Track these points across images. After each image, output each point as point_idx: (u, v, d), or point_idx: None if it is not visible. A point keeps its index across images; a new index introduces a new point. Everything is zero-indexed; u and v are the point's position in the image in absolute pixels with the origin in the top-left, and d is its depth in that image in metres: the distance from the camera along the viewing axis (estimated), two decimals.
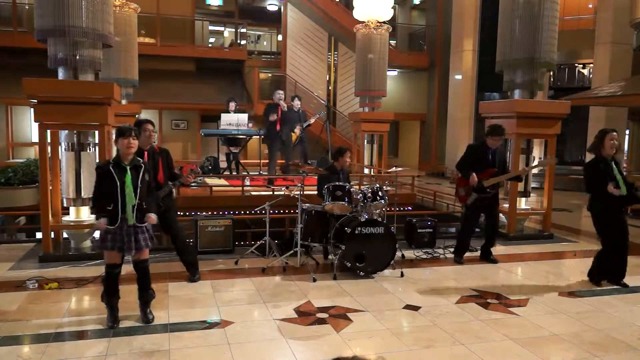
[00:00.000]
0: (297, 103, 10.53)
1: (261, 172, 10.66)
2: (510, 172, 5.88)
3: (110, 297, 3.92)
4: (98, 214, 3.85)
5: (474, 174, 5.57)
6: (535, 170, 7.91)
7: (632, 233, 7.86)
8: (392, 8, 11.34)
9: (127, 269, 4.87)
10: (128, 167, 3.79)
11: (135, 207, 3.79)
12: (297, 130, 10.22)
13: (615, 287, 5.07)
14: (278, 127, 9.76)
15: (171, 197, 4.97)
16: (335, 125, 16.05)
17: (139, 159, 3.91)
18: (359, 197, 5.47)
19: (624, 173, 4.91)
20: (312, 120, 10.83)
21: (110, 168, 3.77)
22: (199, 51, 15.97)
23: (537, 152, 9.80)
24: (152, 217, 3.89)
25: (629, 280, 5.11)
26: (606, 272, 5.09)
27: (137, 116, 9.94)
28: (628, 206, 4.94)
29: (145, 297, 4.04)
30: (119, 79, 9.29)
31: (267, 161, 11.46)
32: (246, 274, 5.34)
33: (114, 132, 4.76)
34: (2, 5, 14.31)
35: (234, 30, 18.72)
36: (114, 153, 4.32)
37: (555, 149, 7.50)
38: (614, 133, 4.84)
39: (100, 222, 3.76)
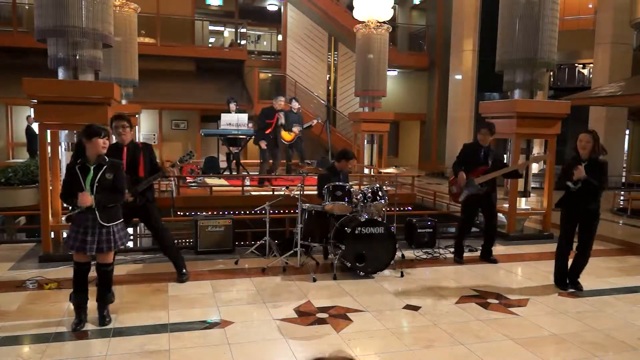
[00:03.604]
0: (295, 105, 10.53)
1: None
2: (505, 168, 5.87)
3: (77, 294, 3.90)
4: (70, 204, 3.83)
5: (462, 172, 5.66)
6: (535, 170, 7.90)
7: (632, 233, 7.91)
8: (392, 8, 11.34)
9: (125, 269, 4.89)
10: (91, 168, 3.77)
11: (95, 206, 3.73)
12: (296, 129, 10.20)
13: (615, 287, 5.08)
14: (269, 130, 9.66)
15: (152, 190, 4.98)
16: (335, 125, 16.06)
17: (105, 157, 3.82)
18: (359, 197, 5.47)
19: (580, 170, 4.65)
20: (314, 123, 10.81)
21: (77, 169, 3.76)
22: (199, 51, 15.98)
23: (537, 152, 9.77)
24: (83, 195, 3.67)
25: (629, 280, 5.11)
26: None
27: (137, 116, 9.94)
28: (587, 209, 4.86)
29: (103, 299, 3.97)
30: (119, 79, 9.29)
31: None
32: (246, 274, 5.34)
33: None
34: (2, 5, 14.32)
35: (234, 30, 18.73)
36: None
37: (555, 149, 7.50)
38: (583, 134, 4.72)
39: (81, 195, 3.68)
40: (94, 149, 3.74)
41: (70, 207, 3.89)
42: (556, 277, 5.09)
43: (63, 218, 5.96)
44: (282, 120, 9.73)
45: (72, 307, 3.95)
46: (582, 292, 4.92)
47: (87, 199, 3.68)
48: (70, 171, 3.80)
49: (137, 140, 5.03)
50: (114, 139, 4.77)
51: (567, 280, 5.02)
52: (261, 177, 9.87)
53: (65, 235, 6.19)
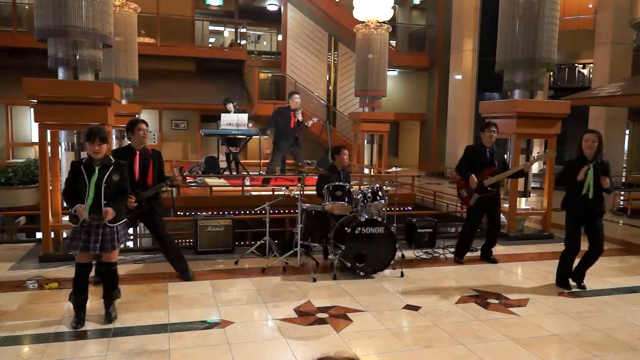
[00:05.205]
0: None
1: (261, 172, 10.66)
2: (512, 169, 5.88)
3: (77, 295, 3.91)
4: (71, 205, 3.86)
5: (473, 175, 5.58)
6: (535, 170, 7.89)
7: (632, 233, 7.91)
8: (392, 8, 11.34)
9: (125, 268, 4.89)
10: (97, 168, 3.79)
11: (103, 206, 3.75)
12: (312, 121, 10.12)
13: (615, 287, 5.08)
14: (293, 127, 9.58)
15: (158, 199, 4.92)
16: (335, 125, 16.05)
17: (111, 158, 3.88)
18: (359, 197, 5.47)
19: (607, 181, 4.66)
20: (309, 124, 10.78)
21: (81, 167, 3.78)
22: (199, 51, 15.97)
23: (537, 152, 9.76)
24: (109, 211, 3.75)
25: (629, 280, 5.11)
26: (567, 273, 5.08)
27: (137, 116, 9.90)
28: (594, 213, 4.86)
29: (110, 296, 4.02)
30: (119, 79, 9.29)
31: (267, 161, 11.43)
32: (246, 274, 5.34)
33: (114, 132, 4.79)
34: (2, 5, 14.31)
35: (234, 30, 18.72)
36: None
37: (555, 149, 7.50)
38: (589, 134, 4.72)
39: (78, 207, 3.74)
40: (88, 152, 3.79)
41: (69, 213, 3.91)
42: (562, 279, 5.06)
43: (65, 218, 5.98)
44: (299, 117, 9.61)
45: (72, 306, 3.96)
46: (583, 292, 4.92)
47: (82, 212, 3.72)
48: (73, 168, 3.82)
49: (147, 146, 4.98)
50: (114, 145, 4.75)
51: (569, 281, 5.03)
52: (266, 177, 9.86)
53: (64, 235, 6.20)
